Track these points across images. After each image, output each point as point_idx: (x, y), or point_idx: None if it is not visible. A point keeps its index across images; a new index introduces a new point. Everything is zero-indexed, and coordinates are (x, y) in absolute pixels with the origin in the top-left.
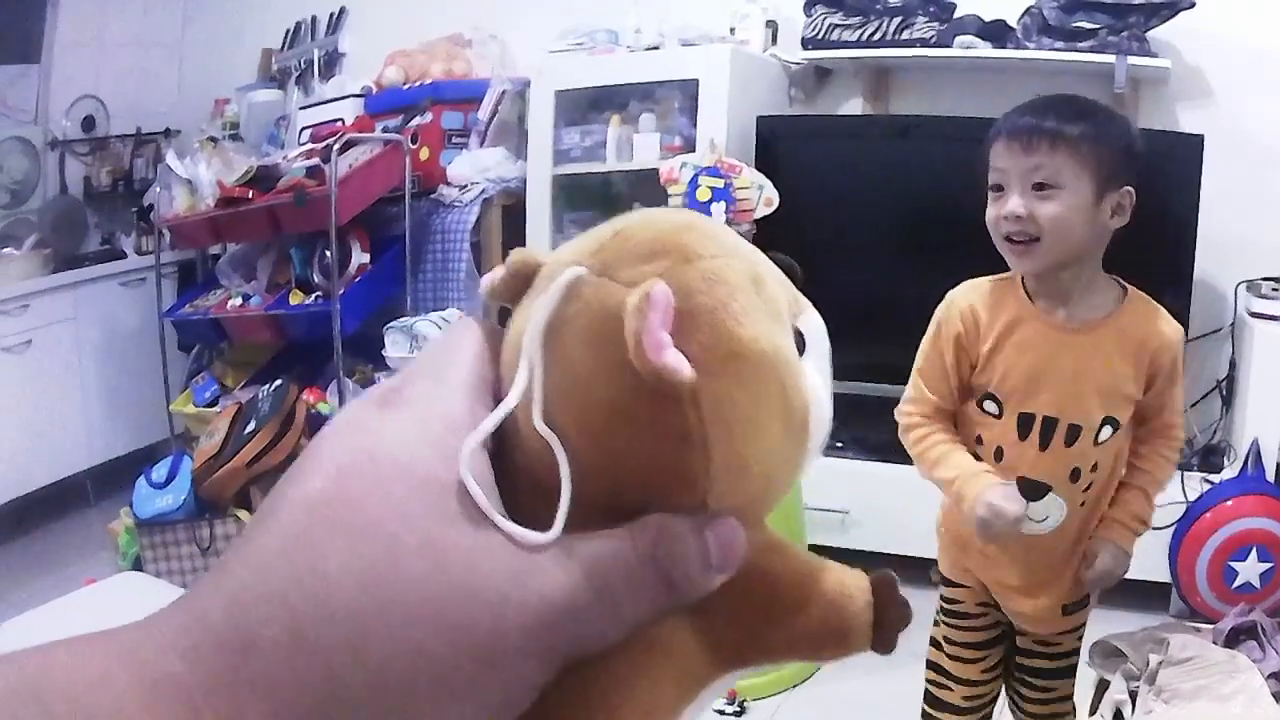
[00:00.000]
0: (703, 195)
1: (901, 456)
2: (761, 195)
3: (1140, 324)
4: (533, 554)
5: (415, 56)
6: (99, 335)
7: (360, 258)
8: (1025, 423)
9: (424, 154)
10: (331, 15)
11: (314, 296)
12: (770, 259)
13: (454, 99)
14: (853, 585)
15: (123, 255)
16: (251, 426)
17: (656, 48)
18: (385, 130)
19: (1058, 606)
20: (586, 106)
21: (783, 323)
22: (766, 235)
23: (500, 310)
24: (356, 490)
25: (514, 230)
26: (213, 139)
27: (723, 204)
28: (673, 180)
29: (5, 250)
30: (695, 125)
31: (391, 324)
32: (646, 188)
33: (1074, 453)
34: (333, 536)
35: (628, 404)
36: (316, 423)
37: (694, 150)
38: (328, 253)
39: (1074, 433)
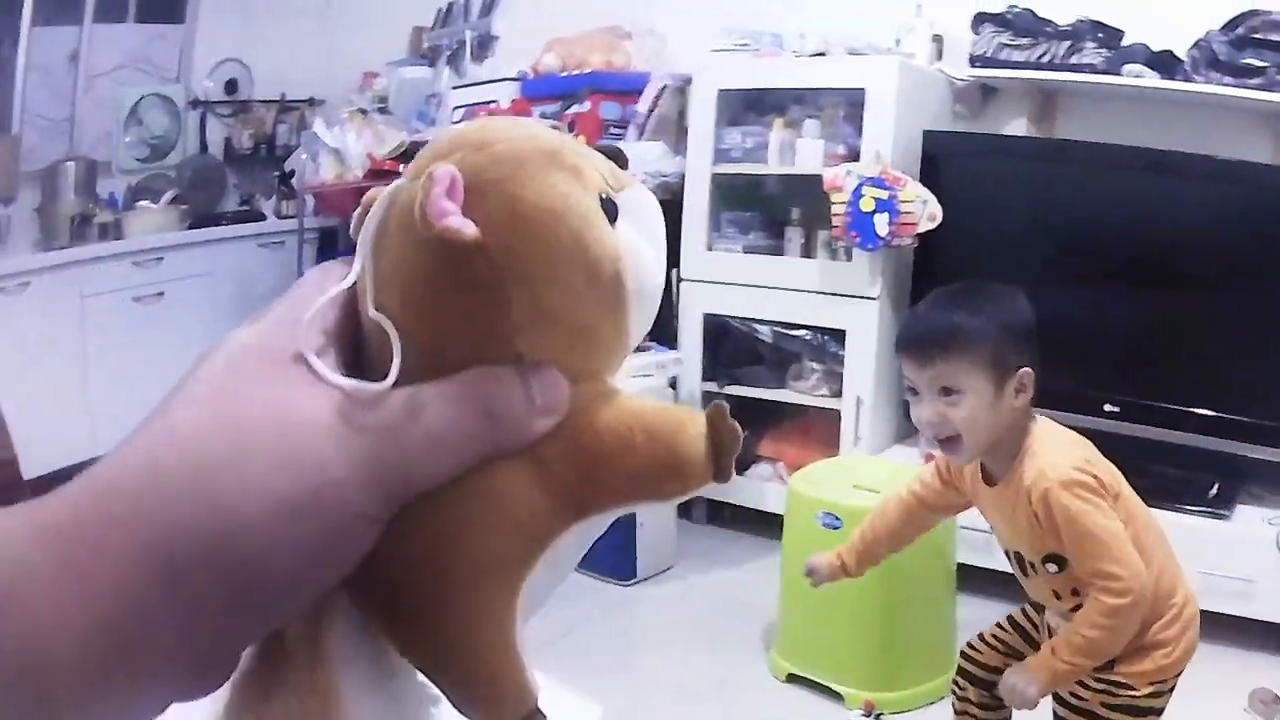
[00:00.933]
0: (866, 205)
1: None
2: (925, 209)
3: (1024, 476)
4: (365, 403)
5: (573, 45)
6: (233, 293)
7: None
8: (1005, 552)
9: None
10: None
11: None
12: (596, 148)
13: (613, 90)
14: (684, 420)
15: (262, 217)
16: None
17: (823, 54)
18: (542, 116)
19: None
20: (747, 107)
21: (585, 186)
22: (927, 251)
23: None
24: (213, 367)
25: (670, 225)
26: (362, 111)
27: (886, 215)
28: (837, 188)
29: (142, 203)
30: (859, 134)
31: None
32: (806, 192)
33: (1039, 580)
34: (191, 403)
35: (434, 274)
36: None
37: (857, 159)
38: None
39: (1027, 563)
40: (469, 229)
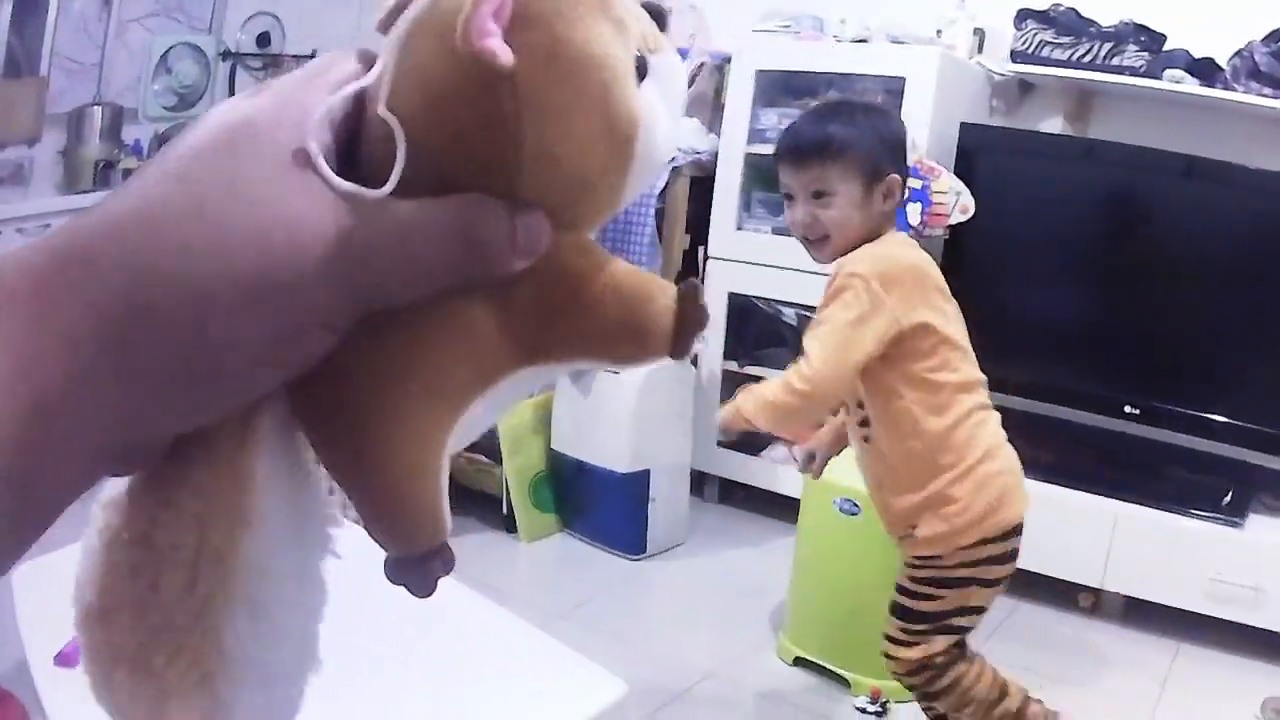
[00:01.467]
0: None
1: (1067, 479)
2: (958, 201)
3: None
4: (353, 204)
5: None
6: None
7: None
8: None
9: None
10: None
11: None
12: (647, 5)
13: None
14: (655, 290)
15: None
16: None
17: (864, 41)
18: None
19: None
20: (785, 90)
21: (625, 42)
22: (959, 243)
23: None
24: (204, 137)
25: (700, 202)
26: None
27: (919, 205)
28: None
29: None
30: None
31: None
32: None
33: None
34: (178, 181)
35: (456, 87)
36: None
37: None
38: None
39: None
40: (506, 55)
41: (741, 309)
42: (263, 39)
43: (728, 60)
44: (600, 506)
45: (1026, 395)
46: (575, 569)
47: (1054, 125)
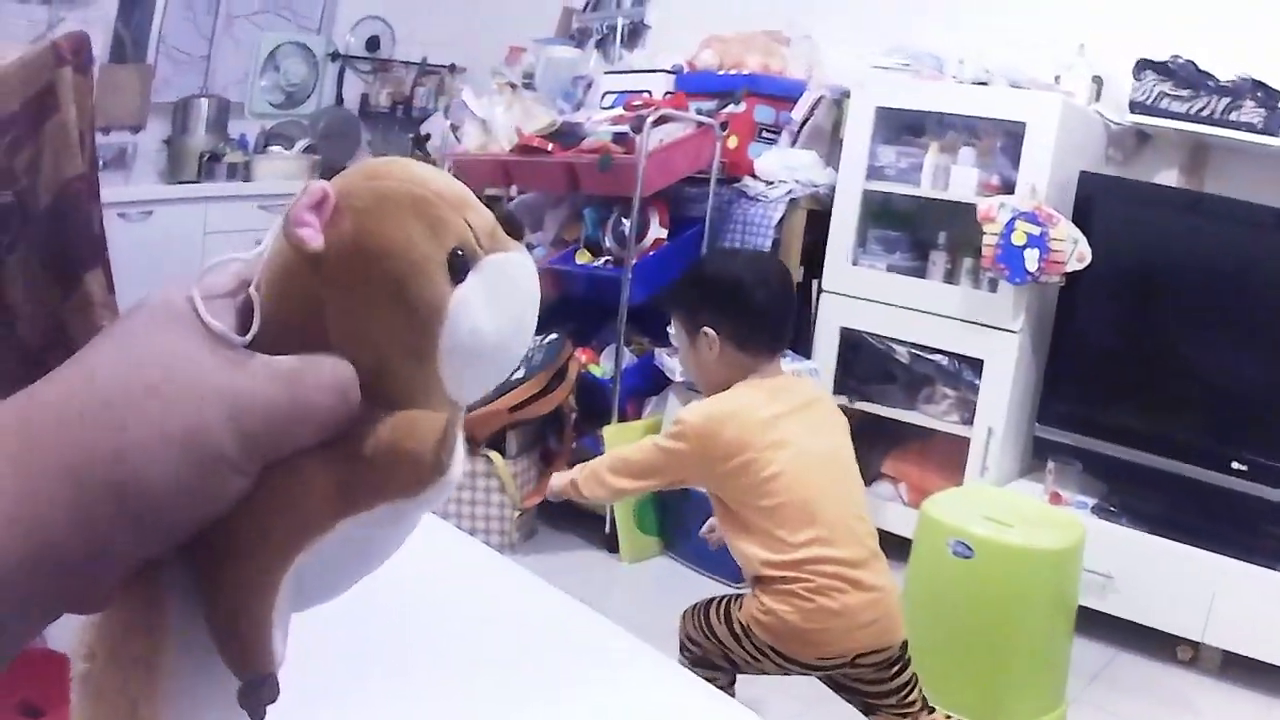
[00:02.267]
0: (1018, 239)
1: (1171, 531)
2: (1075, 249)
3: None
4: (235, 354)
5: (731, 44)
6: None
7: (658, 231)
8: None
9: (732, 142)
10: None
11: (603, 260)
12: (497, 210)
13: (769, 94)
14: (419, 418)
15: None
16: (520, 374)
17: (984, 83)
18: (697, 112)
19: None
20: (902, 127)
21: (439, 240)
22: (1071, 290)
23: None
24: (133, 319)
25: (816, 235)
26: (511, 85)
27: (1037, 251)
28: (989, 219)
29: (274, 148)
30: (1014, 166)
31: None
32: (957, 218)
33: None
34: (108, 343)
35: (284, 268)
36: (586, 383)
37: (1011, 192)
38: (624, 220)
39: None
40: (315, 241)
41: (853, 344)
42: (371, 43)
43: (846, 94)
44: None
45: (1134, 445)
46: (676, 592)
47: (1169, 177)
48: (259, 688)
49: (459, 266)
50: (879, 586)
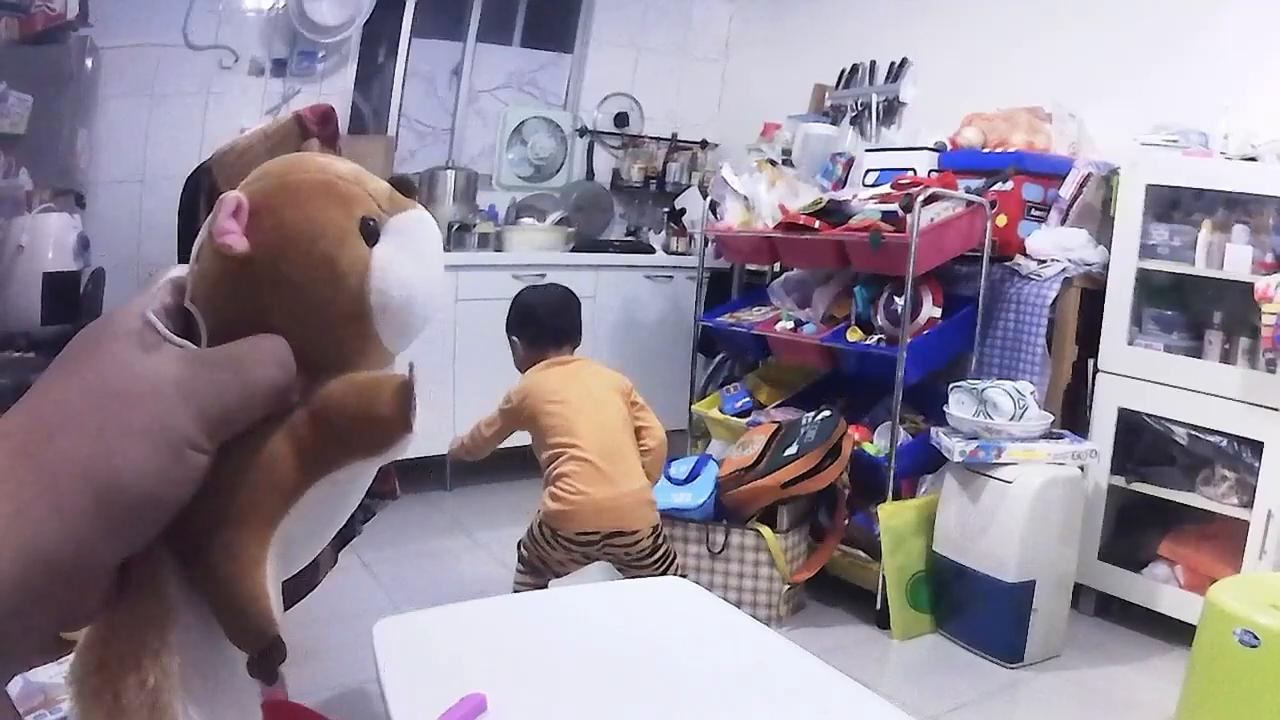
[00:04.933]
0: None
1: None
2: None
3: None
4: (194, 357)
5: (994, 121)
6: (616, 319)
7: (931, 310)
8: None
9: (1001, 220)
10: (893, 64)
11: (875, 338)
12: (392, 178)
13: (1036, 171)
14: (383, 381)
15: (649, 250)
16: (794, 450)
17: (1253, 159)
18: (966, 190)
19: None
20: (1171, 204)
21: (349, 214)
22: None
23: None
24: (85, 338)
25: (1091, 314)
26: (771, 161)
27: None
28: (1268, 298)
29: (527, 220)
30: None
31: (959, 383)
32: (1232, 296)
33: None
34: (60, 368)
35: (217, 277)
36: (859, 460)
37: None
38: (896, 299)
39: None
40: (240, 244)
41: (1131, 424)
42: (620, 119)
43: (1113, 171)
44: (979, 611)
45: None
46: (950, 672)
47: None
48: (268, 654)
49: (371, 232)
50: (618, 484)
